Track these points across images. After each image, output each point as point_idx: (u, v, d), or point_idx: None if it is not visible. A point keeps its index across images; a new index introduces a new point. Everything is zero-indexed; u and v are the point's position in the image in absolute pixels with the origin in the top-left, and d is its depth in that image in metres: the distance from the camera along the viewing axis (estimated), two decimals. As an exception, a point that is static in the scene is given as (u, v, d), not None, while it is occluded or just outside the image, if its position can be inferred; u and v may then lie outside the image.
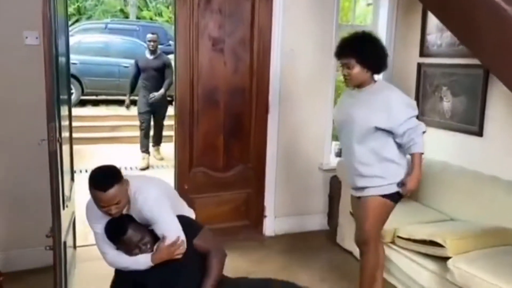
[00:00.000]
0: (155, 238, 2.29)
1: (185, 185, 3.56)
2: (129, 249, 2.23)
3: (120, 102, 9.54)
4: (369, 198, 2.53)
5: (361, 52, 2.44)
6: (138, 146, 6.33)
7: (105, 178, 2.13)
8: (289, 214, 3.97)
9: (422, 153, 2.47)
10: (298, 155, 3.90)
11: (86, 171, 5.91)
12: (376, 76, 2.57)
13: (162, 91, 5.90)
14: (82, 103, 9.11)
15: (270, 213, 3.89)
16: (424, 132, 2.46)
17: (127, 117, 8.45)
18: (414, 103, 2.57)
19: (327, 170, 3.95)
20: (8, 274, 2.99)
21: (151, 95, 5.91)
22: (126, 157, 6.62)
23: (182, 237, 2.25)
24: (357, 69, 2.45)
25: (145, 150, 6.25)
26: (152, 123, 6.29)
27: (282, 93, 3.75)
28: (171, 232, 2.24)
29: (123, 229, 2.21)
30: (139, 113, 6.16)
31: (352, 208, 2.86)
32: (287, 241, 3.83)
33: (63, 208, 2.63)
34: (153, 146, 6.48)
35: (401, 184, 2.48)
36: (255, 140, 3.75)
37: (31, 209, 3.06)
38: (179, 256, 2.22)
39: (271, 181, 3.85)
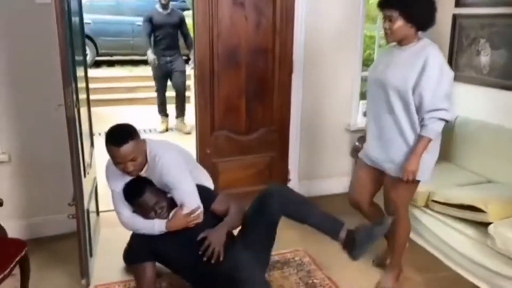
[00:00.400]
0: (172, 205, 2.30)
1: (207, 150, 3.45)
2: (145, 212, 2.27)
3: (135, 62, 9.39)
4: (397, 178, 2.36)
5: (407, 4, 2.19)
6: (155, 107, 6.18)
7: (120, 134, 2.18)
8: (313, 177, 3.86)
9: (430, 140, 2.25)
10: (324, 116, 3.74)
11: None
12: (420, 33, 2.31)
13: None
14: (97, 64, 8.97)
15: (294, 176, 3.78)
16: (446, 122, 2.24)
17: (143, 78, 8.31)
18: (452, 78, 2.28)
19: (354, 131, 3.78)
20: (32, 241, 3.01)
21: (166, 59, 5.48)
22: (144, 119, 6.51)
23: (201, 207, 2.25)
24: (399, 23, 2.21)
25: (164, 114, 5.98)
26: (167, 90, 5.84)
27: (307, 51, 3.54)
28: (190, 200, 2.26)
29: (140, 190, 2.25)
30: (155, 78, 5.75)
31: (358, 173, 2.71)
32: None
33: (84, 176, 2.55)
34: (177, 117, 5.95)
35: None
36: (279, 102, 3.58)
37: (53, 176, 3.00)
38: (193, 225, 2.24)
39: (295, 143, 3.71)
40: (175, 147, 2.47)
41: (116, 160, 2.19)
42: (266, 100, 3.55)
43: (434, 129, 2.21)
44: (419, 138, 2.25)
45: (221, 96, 3.40)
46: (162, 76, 5.65)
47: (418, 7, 2.21)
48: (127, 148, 2.14)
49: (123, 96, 7.72)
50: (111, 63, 9.37)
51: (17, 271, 2.18)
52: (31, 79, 2.87)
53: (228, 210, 2.38)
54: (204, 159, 3.47)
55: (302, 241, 3.05)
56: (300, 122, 3.67)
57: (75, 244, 2.49)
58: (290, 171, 3.77)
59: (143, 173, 2.30)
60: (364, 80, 3.86)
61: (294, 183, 3.78)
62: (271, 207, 2.30)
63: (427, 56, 2.20)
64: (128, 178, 2.31)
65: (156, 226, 2.24)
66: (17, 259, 2.09)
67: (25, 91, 2.88)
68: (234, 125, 3.51)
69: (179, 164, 2.30)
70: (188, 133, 5.67)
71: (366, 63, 4.15)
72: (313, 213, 2.42)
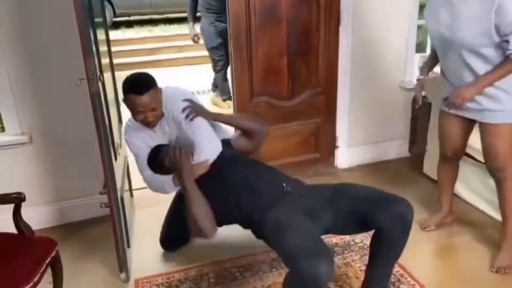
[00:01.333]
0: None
1: (246, 118, 3.07)
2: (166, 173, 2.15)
3: (154, 22, 8.93)
4: (499, 125, 2.14)
5: None
6: (181, 69, 5.75)
7: (141, 82, 2.10)
8: (364, 142, 3.46)
9: None
10: (375, 73, 3.29)
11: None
12: None
13: None
14: (115, 26, 8.54)
15: (343, 143, 3.39)
16: None
17: (165, 38, 7.92)
18: None
19: (410, 89, 3.33)
20: (62, 227, 2.77)
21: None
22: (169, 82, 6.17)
23: (209, 160, 2.09)
24: None
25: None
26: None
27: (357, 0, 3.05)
28: (206, 149, 2.11)
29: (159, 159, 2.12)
30: (210, 48, 4.65)
31: (444, 127, 2.44)
32: (364, 173, 3.37)
33: (115, 159, 2.23)
34: (224, 100, 4.91)
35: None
36: (325, 60, 3.14)
37: (81, 155, 2.71)
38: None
39: (343, 106, 3.30)
40: (188, 93, 2.35)
41: (138, 109, 2.09)
42: (311, 58, 3.11)
43: None
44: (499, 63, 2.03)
45: (259, 57, 2.98)
46: (220, 45, 4.53)
47: None
48: (149, 96, 2.07)
49: (144, 59, 7.34)
50: (129, 24, 8.92)
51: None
52: (51, 49, 2.51)
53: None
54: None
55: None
56: (350, 81, 3.23)
57: (110, 229, 2.22)
58: (338, 138, 3.38)
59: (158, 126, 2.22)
60: (420, 29, 3.37)
61: (342, 151, 3.40)
62: (384, 220, 1.79)
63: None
64: (148, 140, 2.22)
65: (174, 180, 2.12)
66: (47, 261, 1.81)
67: (44, 63, 2.53)
68: (275, 90, 3.11)
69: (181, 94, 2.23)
70: None
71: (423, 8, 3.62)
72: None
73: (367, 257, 2.34)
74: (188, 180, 1.96)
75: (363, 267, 2.31)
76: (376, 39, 3.21)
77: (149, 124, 2.16)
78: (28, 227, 1.93)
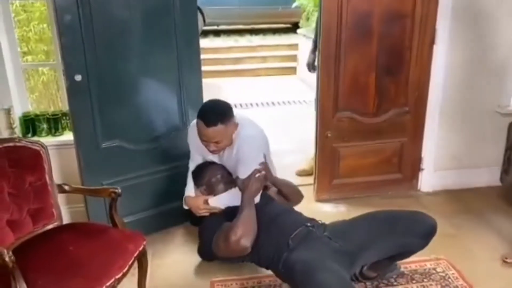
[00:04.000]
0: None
1: (327, 133, 3.05)
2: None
3: (240, 32, 9.19)
4: None
5: None
6: (263, 79, 5.84)
7: (213, 114, 2.14)
8: (451, 167, 3.28)
9: None
10: (469, 94, 3.11)
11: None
12: None
13: None
14: (203, 34, 8.92)
15: (429, 166, 3.24)
16: None
17: (250, 48, 8.11)
18: None
19: (507, 114, 3.11)
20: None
21: None
22: (250, 92, 6.30)
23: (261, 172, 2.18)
24: None
25: None
26: None
27: (454, 17, 2.92)
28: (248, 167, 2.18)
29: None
30: None
31: None
32: (448, 199, 3.19)
33: None
34: None
35: None
36: (415, 78, 3.03)
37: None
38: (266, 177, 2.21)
39: (432, 127, 3.15)
40: (258, 127, 2.41)
41: (202, 138, 2.19)
42: (401, 76, 3.02)
43: None
44: None
45: (347, 71, 2.96)
46: None
47: None
48: (215, 130, 2.13)
49: (229, 68, 7.58)
50: (216, 33, 9.27)
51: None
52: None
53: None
54: (323, 143, 3.09)
55: (443, 248, 2.56)
56: (441, 102, 3.09)
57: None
58: (423, 160, 3.24)
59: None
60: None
61: (427, 173, 3.26)
62: (417, 245, 2.10)
63: None
64: (203, 150, 2.33)
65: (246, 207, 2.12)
66: (135, 254, 1.93)
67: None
68: (360, 105, 3.06)
69: (255, 140, 2.28)
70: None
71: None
72: None
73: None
74: (250, 198, 2.10)
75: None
76: (472, 59, 3.04)
77: (210, 152, 2.27)
78: (121, 220, 2.08)
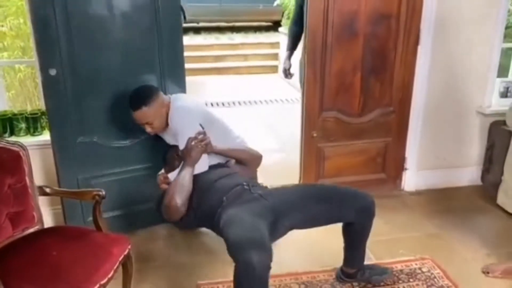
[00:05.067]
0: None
1: (313, 133, 3.05)
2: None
3: (221, 29, 9.13)
4: None
5: None
6: (245, 77, 5.86)
7: (136, 99, 2.30)
8: (434, 166, 3.32)
9: None
10: (452, 95, 3.15)
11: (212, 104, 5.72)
12: None
13: None
14: (183, 31, 8.84)
15: (412, 165, 3.27)
16: None
17: (231, 46, 8.07)
18: None
19: (488, 115, 3.17)
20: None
21: None
22: (232, 90, 6.26)
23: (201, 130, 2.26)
24: None
25: None
26: None
27: (437, 18, 2.94)
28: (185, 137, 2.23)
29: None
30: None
31: None
32: (432, 198, 3.22)
33: None
34: None
35: None
36: (400, 79, 3.05)
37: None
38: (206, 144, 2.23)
39: (415, 128, 3.18)
40: (193, 101, 2.48)
41: (135, 122, 2.34)
42: (385, 76, 3.03)
43: None
44: None
45: (333, 72, 2.95)
46: None
47: None
48: (140, 113, 2.28)
49: (210, 66, 7.51)
50: (197, 30, 9.18)
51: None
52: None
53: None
54: (309, 143, 3.08)
55: (428, 248, 2.60)
56: (425, 103, 3.12)
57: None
58: (407, 159, 3.27)
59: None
60: (504, 52, 3.20)
61: (411, 173, 3.28)
62: (351, 216, 2.09)
63: None
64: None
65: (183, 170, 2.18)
66: (120, 259, 1.88)
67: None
68: (345, 105, 3.06)
69: (185, 110, 2.33)
70: None
71: (508, 25, 3.43)
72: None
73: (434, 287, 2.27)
74: (189, 164, 2.16)
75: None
76: (455, 61, 3.08)
77: (148, 133, 2.38)
78: (105, 224, 2.02)
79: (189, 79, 2.75)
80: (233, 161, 2.46)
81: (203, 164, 2.25)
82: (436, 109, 3.17)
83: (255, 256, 1.62)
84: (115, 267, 1.83)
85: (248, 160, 2.48)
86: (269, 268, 1.68)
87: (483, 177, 3.33)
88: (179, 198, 2.06)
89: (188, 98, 2.50)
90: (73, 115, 2.41)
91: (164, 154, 2.50)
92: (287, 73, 3.65)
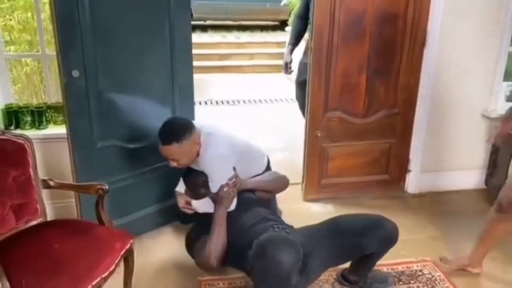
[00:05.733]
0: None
1: (317, 132, 3.04)
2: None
3: (228, 28, 9.14)
4: None
5: None
6: (250, 76, 5.86)
7: (167, 133, 2.17)
8: (438, 169, 3.31)
9: None
10: (458, 98, 3.14)
11: (206, 103, 5.74)
12: None
13: None
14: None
15: (416, 167, 3.26)
16: None
17: (237, 45, 8.08)
18: None
19: (493, 118, 3.15)
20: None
21: None
22: (236, 88, 6.27)
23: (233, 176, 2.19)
24: None
25: None
26: None
27: (445, 19, 2.93)
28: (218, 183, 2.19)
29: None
30: (296, 91, 3.64)
31: None
32: (434, 200, 3.22)
33: None
34: None
35: None
36: (405, 80, 3.04)
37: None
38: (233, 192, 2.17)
39: (420, 130, 3.17)
40: (226, 138, 2.35)
41: (161, 154, 2.22)
42: (391, 77, 3.03)
43: None
44: None
45: (338, 72, 2.95)
46: (304, 82, 3.18)
47: None
48: (169, 148, 2.16)
49: (216, 64, 7.52)
50: (203, 28, 9.19)
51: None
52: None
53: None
54: (313, 143, 3.08)
55: (430, 250, 2.59)
56: (430, 105, 3.11)
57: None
58: (411, 161, 3.26)
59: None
60: (511, 56, 3.18)
61: (414, 175, 3.28)
62: (375, 247, 2.05)
63: None
64: None
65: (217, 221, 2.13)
66: (122, 253, 1.89)
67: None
68: (350, 106, 3.05)
69: (220, 159, 2.23)
70: None
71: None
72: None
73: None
74: (222, 211, 2.12)
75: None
76: (462, 64, 3.07)
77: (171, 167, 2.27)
78: (108, 218, 2.03)
79: (194, 77, 2.75)
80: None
81: (232, 205, 2.21)
82: (441, 112, 3.16)
83: (286, 254, 1.65)
84: (116, 261, 1.83)
85: (276, 189, 2.46)
86: (296, 268, 1.70)
87: (487, 181, 3.31)
88: (216, 259, 2.05)
89: (221, 137, 2.34)
90: (94, 118, 2.34)
91: (185, 174, 2.38)
92: (288, 68, 3.62)
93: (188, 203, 2.28)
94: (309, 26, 3.25)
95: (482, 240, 2.31)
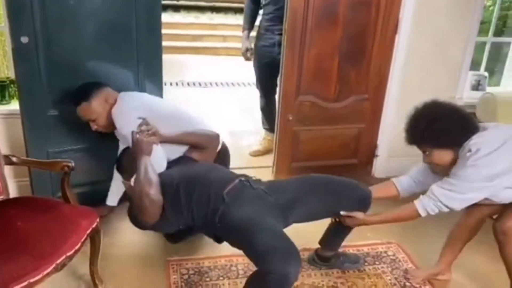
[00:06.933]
0: None
1: (289, 116, 3.06)
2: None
3: (201, 9, 8.96)
4: None
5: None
6: (223, 58, 5.80)
7: (75, 95, 2.28)
8: (405, 155, 3.32)
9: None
10: (426, 86, 3.20)
11: (177, 84, 5.65)
12: None
13: None
14: (162, 8, 8.64)
15: (383, 152, 3.34)
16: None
17: (210, 26, 7.95)
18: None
19: (461, 106, 3.24)
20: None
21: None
22: (210, 70, 6.19)
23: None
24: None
25: (268, 126, 3.70)
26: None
27: (416, 9, 2.98)
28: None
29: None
30: (254, 66, 3.61)
31: None
32: (400, 186, 3.29)
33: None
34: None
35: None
36: (376, 67, 3.08)
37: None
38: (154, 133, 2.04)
39: (388, 116, 3.24)
40: (139, 99, 2.37)
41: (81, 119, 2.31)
42: (362, 64, 3.06)
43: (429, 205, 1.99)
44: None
45: (311, 55, 2.95)
46: (267, 65, 3.38)
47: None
48: (80, 109, 2.27)
49: (188, 44, 7.39)
50: (176, 8, 8.98)
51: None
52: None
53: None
54: (285, 126, 3.09)
55: (394, 232, 2.66)
56: (399, 91, 3.17)
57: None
58: (378, 146, 3.33)
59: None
60: (478, 45, 3.28)
61: (382, 160, 3.35)
62: (351, 206, 2.08)
63: None
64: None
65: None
66: (88, 231, 1.85)
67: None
68: (322, 90, 3.07)
69: (128, 112, 2.21)
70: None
71: (484, 21, 3.51)
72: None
73: (398, 271, 2.34)
74: (145, 157, 1.91)
75: (394, 280, 2.29)
76: (431, 52, 3.13)
77: (98, 131, 2.34)
78: (73, 196, 1.98)
79: (165, 57, 2.68)
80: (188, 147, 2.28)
81: (160, 158, 2.09)
82: (410, 99, 3.18)
83: (292, 268, 1.60)
84: (82, 239, 1.81)
85: (205, 143, 2.29)
86: (297, 278, 1.68)
87: (450, 167, 3.42)
88: (150, 188, 1.81)
89: (135, 96, 2.38)
90: (44, 87, 2.33)
91: (119, 162, 2.37)
92: (249, 54, 3.59)
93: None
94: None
95: (451, 246, 2.26)
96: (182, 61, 6.62)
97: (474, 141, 1.86)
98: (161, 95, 2.68)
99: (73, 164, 1.97)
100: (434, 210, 1.94)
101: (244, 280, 1.81)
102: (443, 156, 1.97)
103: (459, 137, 1.93)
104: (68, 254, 1.71)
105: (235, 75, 6.10)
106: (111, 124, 2.29)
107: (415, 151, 3.33)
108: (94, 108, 2.25)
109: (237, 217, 1.78)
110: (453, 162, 1.95)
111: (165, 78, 2.75)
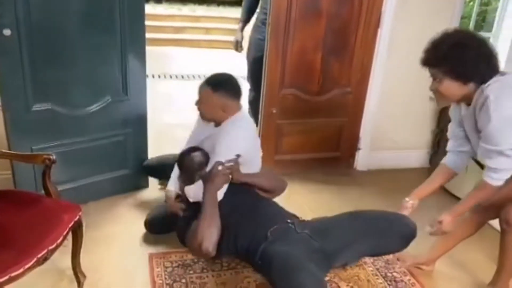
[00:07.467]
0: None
1: (273, 109, 3.06)
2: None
3: (184, 0, 8.89)
4: None
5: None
6: (206, 51, 5.78)
7: (215, 79, 2.27)
8: (386, 148, 3.44)
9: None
10: (408, 80, 3.24)
11: (159, 76, 5.58)
12: None
13: None
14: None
15: (365, 146, 3.38)
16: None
17: (193, 18, 7.90)
18: None
19: (440, 101, 3.30)
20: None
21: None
22: (190, 63, 6.15)
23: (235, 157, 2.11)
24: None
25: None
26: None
27: (398, 4, 3.02)
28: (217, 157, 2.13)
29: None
30: (250, 68, 3.52)
31: None
32: (381, 178, 3.34)
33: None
34: None
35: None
36: (359, 60, 3.11)
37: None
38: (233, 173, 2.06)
39: (371, 109, 3.28)
40: (253, 128, 2.45)
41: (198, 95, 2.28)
42: (345, 57, 3.08)
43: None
44: None
45: (295, 48, 2.96)
46: (260, 59, 3.12)
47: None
48: (203, 90, 2.24)
49: (170, 36, 7.32)
50: (158, 0, 8.90)
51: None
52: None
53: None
54: (268, 119, 3.10)
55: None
56: (381, 85, 3.21)
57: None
58: (361, 139, 3.37)
59: (211, 128, 2.35)
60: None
61: (364, 153, 3.40)
62: (396, 247, 2.02)
63: None
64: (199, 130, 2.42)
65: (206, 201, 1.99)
66: (70, 225, 1.83)
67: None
68: (305, 84, 3.09)
69: (237, 141, 2.20)
70: None
71: (464, 16, 3.57)
72: None
73: (379, 262, 2.38)
74: (211, 191, 1.97)
75: (375, 271, 2.32)
76: (413, 46, 3.14)
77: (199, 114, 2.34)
78: (55, 190, 1.95)
79: (147, 49, 2.67)
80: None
81: (221, 194, 2.08)
82: (392, 93, 3.26)
83: None
84: (64, 233, 1.78)
85: (274, 188, 2.30)
86: None
87: (431, 160, 3.49)
88: (209, 243, 1.85)
89: (249, 126, 2.38)
90: (28, 80, 2.25)
91: (181, 158, 2.32)
92: (239, 46, 3.63)
93: (180, 203, 2.22)
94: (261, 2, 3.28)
95: (446, 241, 2.28)
96: (164, 53, 6.56)
97: (492, 86, 1.75)
98: (144, 86, 2.67)
99: (54, 157, 1.93)
100: (502, 178, 1.84)
101: (228, 273, 1.82)
102: (453, 88, 1.82)
103: (481, 72, 1.77)
104: (50, 248, 1.68)
105: (218, 68, 6.05)
106: (211, 120, 2.31)
107: (396, 145, 3.42)
108: (213, 101, 2.22)
109: (278, 255, 1.76)
110: (460, 99, 1.87)
111: (147, 70, 2.74)
